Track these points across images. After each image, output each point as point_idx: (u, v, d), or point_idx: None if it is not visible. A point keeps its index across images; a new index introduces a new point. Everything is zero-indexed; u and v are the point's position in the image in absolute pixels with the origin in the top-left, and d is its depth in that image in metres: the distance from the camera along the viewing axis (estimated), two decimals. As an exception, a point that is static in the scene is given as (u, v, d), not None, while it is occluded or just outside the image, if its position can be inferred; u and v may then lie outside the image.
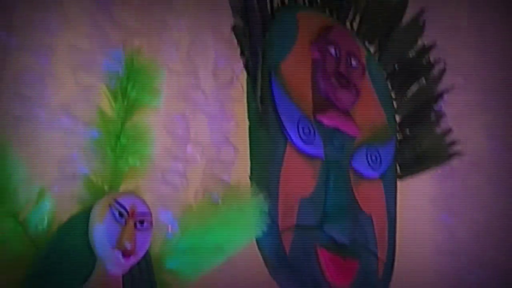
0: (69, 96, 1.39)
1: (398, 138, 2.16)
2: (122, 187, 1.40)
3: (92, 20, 1.46)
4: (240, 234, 1.55)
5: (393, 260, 1.98)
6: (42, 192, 1.29)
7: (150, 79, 1.45)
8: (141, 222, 1.34)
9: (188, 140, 1.56)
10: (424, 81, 2.23)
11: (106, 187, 1.38)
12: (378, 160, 2.02)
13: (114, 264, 1.32)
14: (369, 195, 1.97)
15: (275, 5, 1.93)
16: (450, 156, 2.17)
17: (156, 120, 1.49)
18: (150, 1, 1.62)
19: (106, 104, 1.40)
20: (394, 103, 2.21)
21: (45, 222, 1.30)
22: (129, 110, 1.41)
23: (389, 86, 2.21)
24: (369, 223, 1.95)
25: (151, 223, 1.37)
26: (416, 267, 2.03)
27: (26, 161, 1.27)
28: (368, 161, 1.99)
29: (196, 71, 1.62)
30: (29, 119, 1.33)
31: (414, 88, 2.22)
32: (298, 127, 1.84)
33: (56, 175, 1.35)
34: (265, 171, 1.76)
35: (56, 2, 1.42)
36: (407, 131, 2.18)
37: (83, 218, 1.33)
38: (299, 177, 1.83)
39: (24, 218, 1.27)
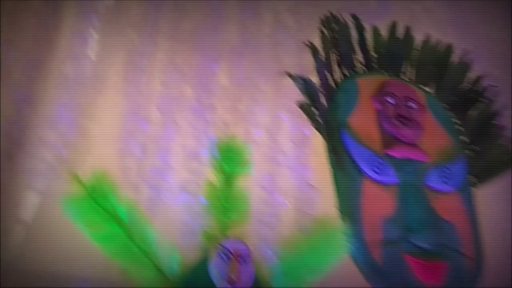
0: (184, 180, 1.41)
1: (468, 154, 1.81)
2: (230, 234, 1.36)
3: (193, 124, 1.48)
4: (328, 256, 1.42)
5: (481, 257, 1.62)
6: (173, 248, 1.32)
7: (239, 155, 1.43)
8: (242, 258, 1.29)
9: (275, 190, 1.47)
10: (481, 104, 1.87)
11: (218, 236, 1.36)
12: (450, 176, 1.71)
13: (226, 291, 1.28)
14: (447, 206, 1.67)
15: (338, 79, 1.81)
16: (516, 160, 1.76)
17: (250, 180, 1.45)
18: (237, 98, 1.60)
19: (211, 180, 1.41)
20: (458, 127, 1.87)
21: (177, 268, 1.31)
22: (226, 180, 1.40)
23: (451, 115, 1.89)
24: (451, 229, 1.63)
25: (251, 257, 1.31)
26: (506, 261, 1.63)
27: (158, 227, 1.30)
28: (441, 178, 1.70)
29: (276, 140, 1.55)
30: (159, 200, 1.37)
31: (473, 111, 1.87)
32: (370, 164, 1.65)
33: (181, 233, 1.36)
34: (347, 202, 1.60)
35: (170, 118, 1.48)
36: (475, 146, 1.83)
37: (204, 261, 1.32)
38: (378, 201, 1.62)
39: (162, 268, 1.30)
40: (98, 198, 1.25)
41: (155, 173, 1.38)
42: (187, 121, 1.48)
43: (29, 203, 1.33)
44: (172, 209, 1.38)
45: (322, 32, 1.81)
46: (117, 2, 1.63)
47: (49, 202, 1.30)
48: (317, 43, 1.79)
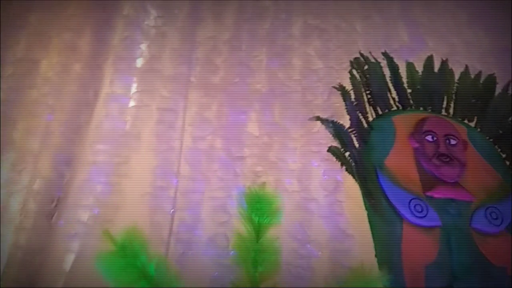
0: (213, 232, 1.43)
1: (520, 190, 1.70)
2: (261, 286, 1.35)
3: (222, 176, 1.51)
4: (366, 308, 1.34)
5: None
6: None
7: (268, 204, 1.43)
8: (272, 313, 1.27)
9: (307, 240, 1.45)
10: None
11: (247, 288, 1.35)
12: (499, 216, 1.61)
13: None
14: (497, 249, 1.57)
15: (370, 118, 1.77)
16: None
17: (281, 230, 1.43)
18: (267, 147, 1.61)
19: (240, 231, 1.40)
20: (506, 162, 1.77)
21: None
22: (256, 232, 1.39)
23: (498, 149, 1.79)
24: (503, 273, 1.53)
25: (282, 312, 1.28)
26: None
27: (187, 282, 1.31)
28: (488, 219, 1.60)
29: (308, 188, 1.53)
30: (188, 254, 1.39)
31: (522, 145, 1.76)
32: (410, 207, 1.58)
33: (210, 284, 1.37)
34: (386, 249, 1.53)
35: (200, 172, 1.51)
36: (527, 182, 1.71)
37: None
38: (420, 247, 1.55)
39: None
40: (128, 256, 1.29)
41: (184, 227, 1.41)
42: (216, 174, 1.51)
43: (67, 258, 1.39)
44: (201, 263, 1.39)
45: (351, 73, 1.80)
46: (150, 60, 1.72)
47: (85, 258, 1.36)
48: (347, 85, 1.78)
